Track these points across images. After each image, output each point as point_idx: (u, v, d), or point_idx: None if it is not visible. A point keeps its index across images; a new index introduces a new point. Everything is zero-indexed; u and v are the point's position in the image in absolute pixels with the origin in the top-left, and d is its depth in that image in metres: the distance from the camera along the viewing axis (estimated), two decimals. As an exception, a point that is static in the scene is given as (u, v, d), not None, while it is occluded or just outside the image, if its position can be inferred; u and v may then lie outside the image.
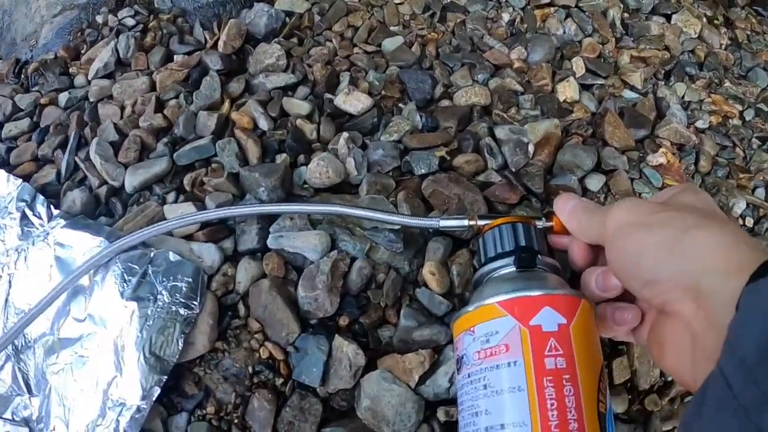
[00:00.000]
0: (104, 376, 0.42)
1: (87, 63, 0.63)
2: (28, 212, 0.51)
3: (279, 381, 0.42)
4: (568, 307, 0.33)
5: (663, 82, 0.54)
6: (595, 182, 0.48)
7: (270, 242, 0.45)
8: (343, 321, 0.43)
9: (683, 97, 0.53)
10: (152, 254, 0.45)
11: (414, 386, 0.41)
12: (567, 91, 0.52)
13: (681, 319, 0.27)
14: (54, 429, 0.43)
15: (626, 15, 0.58)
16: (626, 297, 0.32)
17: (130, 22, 0.63)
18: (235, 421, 0.41)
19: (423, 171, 0.48)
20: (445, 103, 0.53)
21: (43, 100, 0.62)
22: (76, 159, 0.54)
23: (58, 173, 0.54)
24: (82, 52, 0.65)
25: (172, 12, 0.63)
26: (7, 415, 0.46)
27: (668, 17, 0.59)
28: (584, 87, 0.53)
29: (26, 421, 0.45)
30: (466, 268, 0.44)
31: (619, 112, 0.52)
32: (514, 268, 0.36)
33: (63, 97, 0.61)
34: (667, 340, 0.29)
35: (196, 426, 0.41)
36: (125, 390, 0.41)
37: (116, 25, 0.64)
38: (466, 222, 0.41)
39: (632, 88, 0.53)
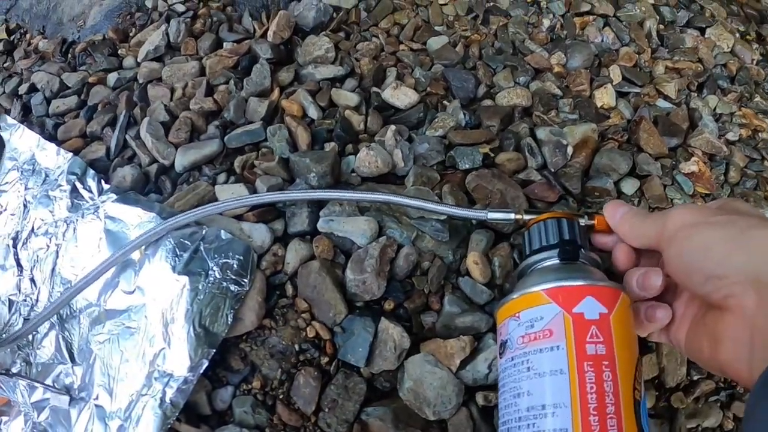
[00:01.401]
0: (152, 348, 0.42)
1: (136, 45, 0.62)
2: (79, 185, 0.50)
3: (324, 360, 0.41)
4: (609, 298, 0.34)
5: (696, 94, 0.54)
6: (629, 186, 0.49)
7: (320, 225, 0.45)
8: (388, 305, 0.43)
9: (715, 109, 0.53)
10: (204, 231, 0.45)
11: (455, 371, 0.41)
12: (604, 97, 0.52)
13: (742, 313, 0.27)
14: (97, 397, 0.43)
15: (661, 27, 0.59)
16: (661, 298, 0.33)
17: (180, 8, 0.63)
18: (281, 396, 0.40)
19: (467, 166, 0.48)
20: (488, 102, 0.53)
21: (91, 79, 0.62)
22: (127, 137, 0.53)
23: (108, 150, 0.54)
24: (131, 34, 0.65)
25: (222, 0, 0.63)
26: (48, 382, 0.46)
27: (702, 31, 0.59)
28: (620, 94, 0.53)
29: (67, 389, 0.45)
30: (506, 260, 0.44)
31: (654, 120, 0.52)
32: (558, 260, 0.37)
33: (112, 77, 0.60)
34: (724, 334, 0.29)
35: (242, 400, 0.40)
36: (173, 361, 0.41)
37: (166, 11, 0.64)
38: (512, 215, 0.41)
39: (666, 98, 0.54)
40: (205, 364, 0.41)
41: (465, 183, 0.48)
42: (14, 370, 0.47)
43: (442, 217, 0.45)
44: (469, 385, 0.41)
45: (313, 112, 0.52)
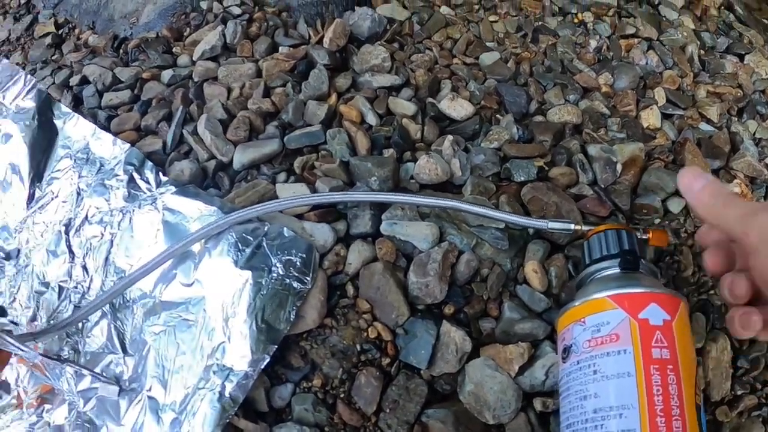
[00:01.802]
0: (211, 341, 0.42)
1: (191, 45, 0.63)
2: (136, 176, 0.50)
3: (385, 361, 0.41)
4: (671, 305, 0.36)
5: (736, 118, 0.55)
6: (675, 205, 0.50)
7: (383, 228, 0.45)
8: (449, 309, 0.43)
9: (755, 133, 0.55)
10: (266, 228, 0.45)
11: (513, 376, 0.41)
12: (650, 118, 0.54)
13: None
14: (150, 389, 0.42)
15: (702, 52, 0.60)
16: (759, 302, 0.33)
17: (236, 10, 0.63)
18: (341, 395, 0.40)
19: (522, 178, 0.49)
20: (539, 118, 0.54)
21: (144, 75, 0.62)
22: (183, 132, 0.53)
23: (164, 144, 0.54)
24: (185, 34, 0.65)
25: (278, 6, 0.64)
26: (97, 371, 0.45)
27: (741, 57, 0.61)
28: (665, 116, 0.55)
29: (117, 379, 0.44)
30: (562, 270, 0.45)
31: (697, 142, 0.54)
32: (619, 269, 0.38)
33: (166, 74, 0.61)
34: None
35: (302, 397, 0.40)
36: (233, 356, 0.41)
37: (221, 12, 0.65)
38: (572, 226, 0.42)
39: (708, 121, 0.55)
40: (267, 359, 0.40)
41: (521, 194, 0.48)
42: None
43: (501, 226, 0.46)
44: (527, 391, 0.41)
45: (371, 119, 0.53)
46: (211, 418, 0.38)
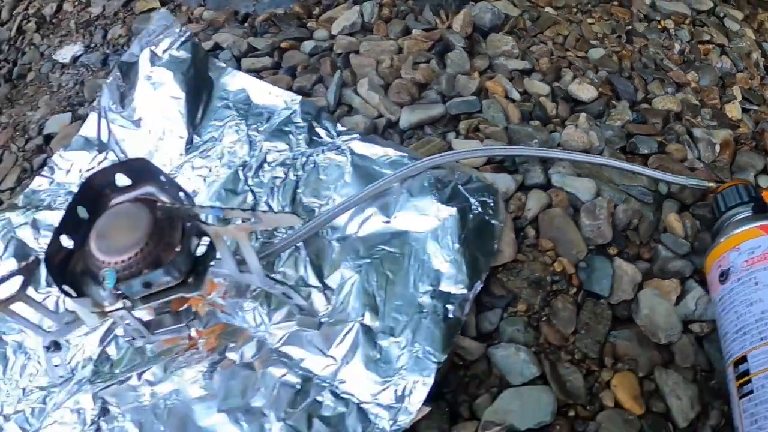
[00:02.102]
0: (423, 271, 0.46)
1: (326, 21, 0.68)
2: (315, 124, 0.55)
3: (571, 291, 0.48)
4: None
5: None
6: (764, 181, 0.61)
7: (555, 180, 0.52)
8: (613, 250, 0.51)
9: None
10: (456, 174, 0.50)
11: (673, 305, 0.48)
12: (732, 110, 0.65)
13: None
14: (363, 317, 0.45)
15: (763, 59, 0.74)
16: None
17: (366, -6, 0.70)
18: (544, 318, 0.46)
19: (645, 151, 0.58)
20: (646, 105, 0.64)
21: (283, 45, 0.66)
22: (346, 92, 0.58)
23: (327, 102, 0.58)
24: (314, 12, 0.70)
25: (406, -6, 0.71)
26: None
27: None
28: (743, 110, 0.67)
29: (312, 313, 0.46)
30: (693, 222, 0.54)
31: (770, 133, 0.66)
32: (752, 212, 0.47)
33: (308, 45, 0.66)
34: None
35: (511, 320, 0.46)
36: (449, 283, 0.45)
37: (350, -5, 0.70)
38: (706, 183, 0.52)
39: (777, 118, 0.68)
40: (480, 285, 0.46)
41: (647, 163, 0.58)
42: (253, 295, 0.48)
43: (644, 184, 0.54)
44: (681, 320, 0.49)
45: (515, 95, 0.60)
46: (439, 338, 0.42)
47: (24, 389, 0.47)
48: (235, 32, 0.69)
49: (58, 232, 0.40)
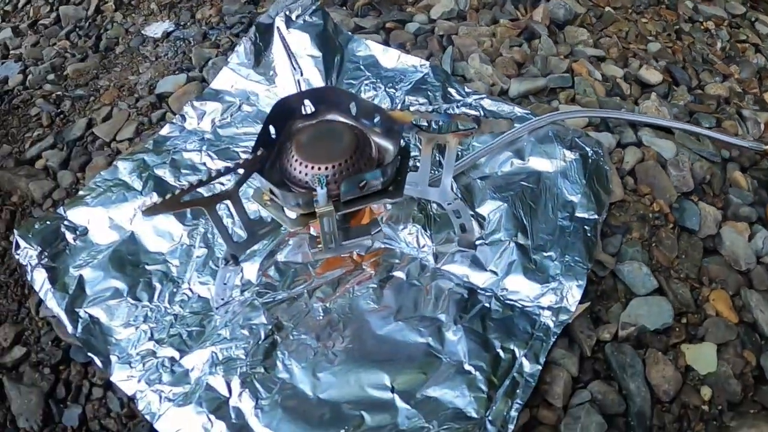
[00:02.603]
0: (558, 201, 0.56)
1: (424, 8, 0.79)
2: (447, 85, 0.64)
3: (669, 226, 0.58)
4: None
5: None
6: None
7: (645, 140, 0.64)
8: (695, 197, 0.62)
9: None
10: (570, 130, 0.61)
11: (746, 241, 0.60)
12: (769, 99, 0.80)
13: None
14: (517, 236, 0.53)
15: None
16: None
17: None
18: (653, 244, 0.56)
19: (707, 125, 0.71)
20: (699, 91, 0.77)
21: (388, 25, 0.76)
22: (463, 64, 0.68)
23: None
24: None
25: (488, -11, 0.82)
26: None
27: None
28: (778, 98, 0.81)
29: (472, 233, 0.54)
30: (751, 181, 0.66)
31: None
32: None
33: (412, 26, 0.76)
34: None
35: (630, 243, 0.56)
36: (582, 210, 0.56)
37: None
38: (763, 146, 0.64)
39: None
40: (605, 215, 0.56)
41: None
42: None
43: (711, 148, 0.67)
44: (755, 253, 0.60)
45: (597, 76, 0.72)
46: (584, 251, 0.52)
47: (176, 315, 0.53)
48: (340, 12, 0.79)
49: (257, 145, 0.47)
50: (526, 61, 0.73)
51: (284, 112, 0.51)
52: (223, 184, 0.56)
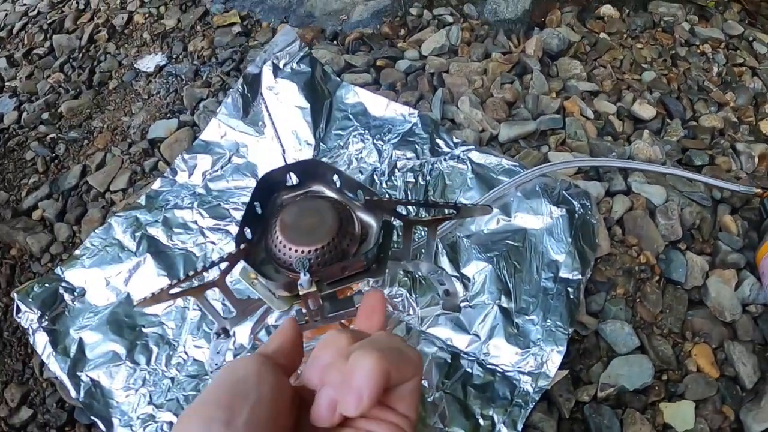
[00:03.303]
0: (543, 261, 0.58)
1: (415, 42, 0.80)
2: (435, 136, 0.66)
3: (654, 278, 0.60)
4: None
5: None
6: (792, 185, 0.76)
7: (635, 187, 0.65)
8: (682, 245, 0.64)
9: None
10: (559, 181, 0.63)
11: (733, 290, 0.62)
12: (766, 127, 0.80)
13: None
14: (500, 300, 0.56)
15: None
16: None
17: (449, 19, 0.81)
18: (637, 300, 0.59)
19: (699, 163, 0.72)
20: (694, 123, 0.78)
21: (379, 63, 0.77)
22: (451, 108, 0.69)
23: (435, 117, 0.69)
24: (400, 33, 0.81)
25: (480, 20, 0.83)
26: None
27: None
28: (773, 126, 0.82)
29: (455, 297, 0.57)
30: (742, 223, 0.67)
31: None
32: None
33: (402, 64, 0.77)
34: None
35: (615, 301, 0.59)
36: (566, 270, 0.58)
37: (431, 18, 0.82)
38: (754, 189, 0.66)
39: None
40: (589, 273, 0.58)
41: (701, 172, 0.71)
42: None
43: (701, 191, 0.68)
44: (740, 302, 0.62)
45: (588, 114, 0.74)
46: (566, 315, 0.55)
47: (173, 378, 0.56)
48: (330, 49, 0.80)
49: (242, 225, 0.50)
50: (517, 100, 0.74)
51: (269, 185, 0.53)
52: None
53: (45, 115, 0.90)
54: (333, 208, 0.51)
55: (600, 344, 0.57)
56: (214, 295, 0.56)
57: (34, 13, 1.21)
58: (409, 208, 0.61)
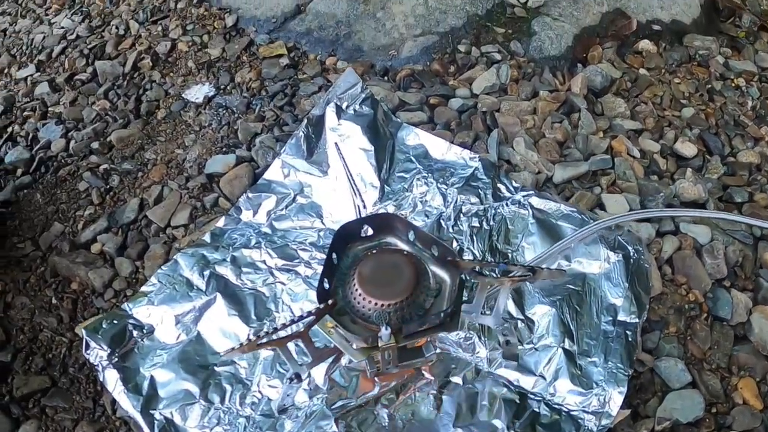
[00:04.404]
0: (602, 304, 0.65)
1: (466, 81, 0.85)
2: (496, 181, 0.72)
3: (703, 316, 0.67)
4: None
5: None
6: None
7: (683, 228, 0.72)
8: (727, 283, 0.71)
9: None
10: (614, 227, 0.69)
11: (774, 327, 0.69)
12: (796, 157, 0.88)
13: None
14: (564, 342, 0.62)
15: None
16: None
17: (497, 56, 0.87)
18: (688, 337, 0.66)
19: (739, 200, 0.79)
20: (732, 159, 0.85)
21: (432, 100, 0.83)
22: (506, 150, 0.76)
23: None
24: (450, 70, 0.87)
25: (526, 57, 0.89)
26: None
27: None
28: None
29: (515, 347, 0.63)
30: (781, 261, 0.75)
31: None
32: None
33: (455, 102, 0.84)
34: None
35: (667, 339, 0.65)
36: (624, 313, 0.64)
37: (479, 56, 0.88)
38: None
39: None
40: (645, 316, 0.64)
41: (741, 211, 0.78)
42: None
43: (743, 229, 0.75)
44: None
45: (635, 153, 0.80)
46: (625, 357, 0.61)
47: (248, 417, 0.61)
48: (383, 86, 0.86)
49: (323, 277, 0.56)
50: (567, 140, 0.80)
51: (345, 236, 0.59)
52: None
53: (95, 145, 0.96)
54: (409, 261, 0.57)
55: (655, 380, 0.64)
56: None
57: (73, 36, 1.26)
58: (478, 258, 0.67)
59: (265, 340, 0.52)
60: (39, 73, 1.20)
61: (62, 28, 1.31)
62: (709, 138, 0.87)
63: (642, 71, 0.93)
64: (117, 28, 1.23)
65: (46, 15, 1.45)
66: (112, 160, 0.93)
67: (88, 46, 1.20)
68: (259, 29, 1.04)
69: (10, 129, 1.07)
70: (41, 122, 1.05)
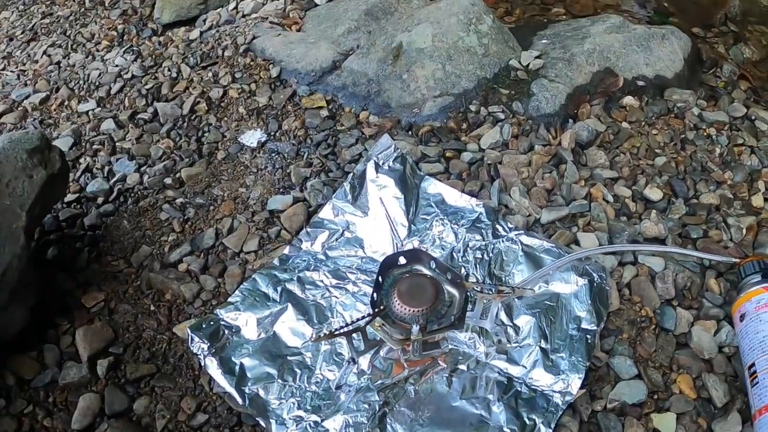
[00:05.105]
0: (570, 316, 1.01)
1: (475, 137, 1.23)
2: (495, 224, 1.10)
3: (652, 327, 1.04)
4: None
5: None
6: (774, 254, 1.18)
7: (641, 259, 1.09)
8: (675, 302, 1.07)
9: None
10: (583, 258, 1.06)
11: (712, 336, 1.05)
12: (757, 200, 1.21)
13: None
14: (540, 343, 1.00)
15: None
16: None
17: (501, 116, 1.25)
18: (637, 342, 1.02)
19: (695, 236, 1.15)
20: (694, 200, 1.21)
21: (447, 154, 1.21)
22: (506, 196, 1.14)
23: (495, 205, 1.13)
24: (462, 127, 1.25)
25: (525, 115, 1.26)
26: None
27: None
28: (765, 199, 1.23)
29: (505, 345, 1.02)
30: (725, 284, 1.10)
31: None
32: (761, 278, 1.04)
33: (466, 156, 1.21)
34: None
35: (620, 343, 1.01)
36: (586, 323, 1.00)
37: (486, 114, 1.26)
38: (733, 259, 1.09)
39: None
40: (603, 324, 1.01)
41: (696, 245, 1.14)
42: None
43: (694, 260, 1.11)
44: (717, 345, 1.05)
45: (609, 198, 1.17)
46: (585, 353, 0.97)
47: (314, 392, 0.99)
48: (408, 140, 1.24)
49: (373, 292, 0.94)
50: (555, 188, 1.17)
51: (387, 264, 0.98)
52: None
53: (168, 180, 1.34)
54: (432, 282, 0.95)
55: (610, 372, 0.99)
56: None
57: (128, 75, 1.66)
58: (479, 280, 1.06)
59: (337, 333, 0.91)
60: (100, 109, 1.60)
61: (117, 66, 1.71)
62: (676, 183, 1.22)
63: (624, 124, 1.29)
64: (169, 70, 1.63)
65: (98, 51, 1.87)
66: (185, 194, 1.31)
67: (145, 87, 1.60)
68: (300, 81, 1.43)
69: (82, 161, 1.47)
70: (113, 157, 1.45)
